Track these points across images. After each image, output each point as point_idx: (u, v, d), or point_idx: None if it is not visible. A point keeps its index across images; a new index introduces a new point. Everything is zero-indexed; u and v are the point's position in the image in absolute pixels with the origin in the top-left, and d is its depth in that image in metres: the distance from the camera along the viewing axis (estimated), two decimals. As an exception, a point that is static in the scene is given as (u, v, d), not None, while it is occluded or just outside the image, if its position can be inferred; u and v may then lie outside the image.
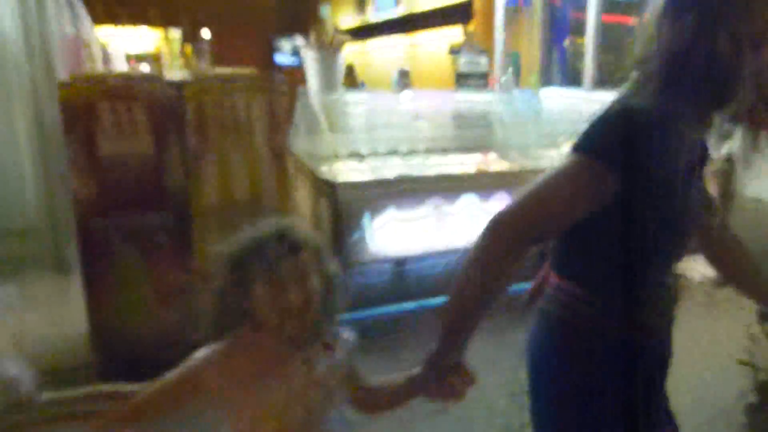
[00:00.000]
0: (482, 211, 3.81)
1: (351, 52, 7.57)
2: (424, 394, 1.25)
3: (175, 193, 2.76)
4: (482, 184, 3.81)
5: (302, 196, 3.51)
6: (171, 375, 1.13)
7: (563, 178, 1.13)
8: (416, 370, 1.23)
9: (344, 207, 3.32)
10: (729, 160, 3.05)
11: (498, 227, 1.12)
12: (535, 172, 4.05)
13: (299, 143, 3.51)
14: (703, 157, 1.24)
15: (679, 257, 1.26)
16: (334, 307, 1.20)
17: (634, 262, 1.19)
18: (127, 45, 7.20)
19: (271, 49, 11.91)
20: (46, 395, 1.10)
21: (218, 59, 9.51)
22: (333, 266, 1.20)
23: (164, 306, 2.72)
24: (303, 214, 3.47)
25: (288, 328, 1.13)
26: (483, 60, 5.77)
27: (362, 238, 3.38)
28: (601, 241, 1.19)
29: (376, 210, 3.40)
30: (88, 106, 2.59)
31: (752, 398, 1.80)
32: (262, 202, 2.87)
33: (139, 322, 2.72)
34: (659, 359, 1.30)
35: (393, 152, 3.97)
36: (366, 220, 3.36)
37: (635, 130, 1.08)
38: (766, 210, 3.78)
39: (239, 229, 1.18)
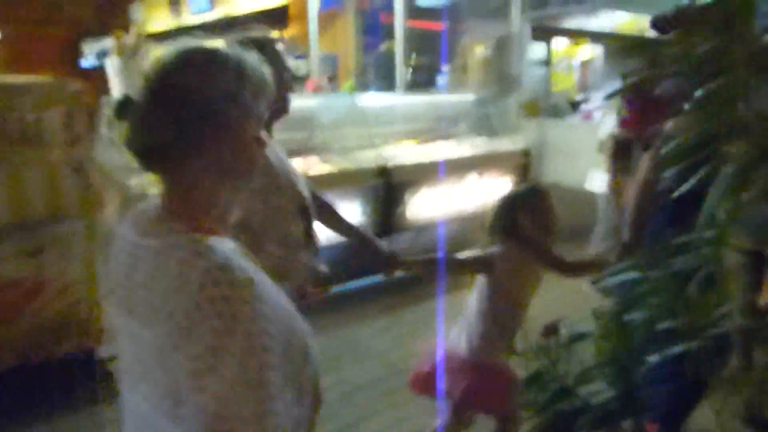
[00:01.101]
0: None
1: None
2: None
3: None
4: (304, 187, 3.84)
5: (113, 210, 3.31)
6: (475, 253, 2.11)
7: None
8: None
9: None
10: None
11: None
12: (355, 173, 4.19)
13: (109, 155, 3.30)
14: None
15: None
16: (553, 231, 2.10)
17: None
18: None
19: (78, 52, 10.98)
20: (409, 259, 2.08)
21: (14, 63, 8.55)
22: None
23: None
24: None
25: (542, 240, 2.05)
26: (302, 64, 5.84)
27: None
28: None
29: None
30: None
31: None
32: (62, 220, 2.66)
33: None
34: None
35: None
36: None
37: None
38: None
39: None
